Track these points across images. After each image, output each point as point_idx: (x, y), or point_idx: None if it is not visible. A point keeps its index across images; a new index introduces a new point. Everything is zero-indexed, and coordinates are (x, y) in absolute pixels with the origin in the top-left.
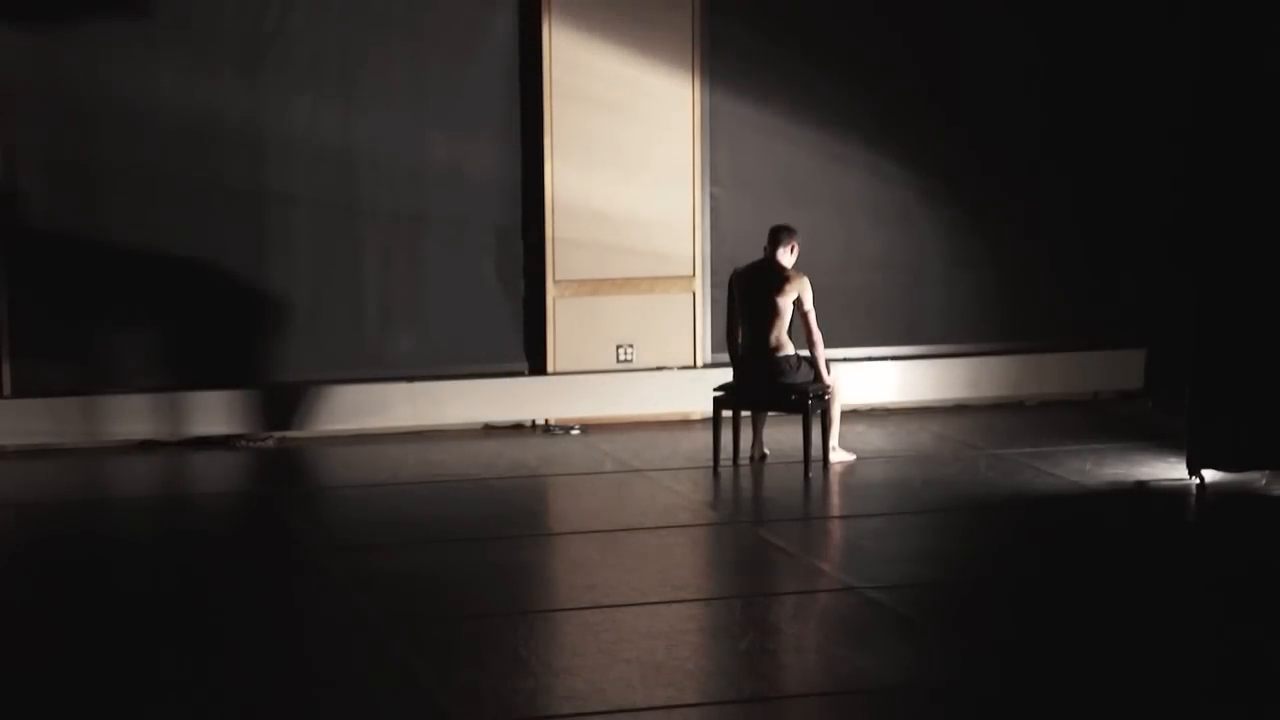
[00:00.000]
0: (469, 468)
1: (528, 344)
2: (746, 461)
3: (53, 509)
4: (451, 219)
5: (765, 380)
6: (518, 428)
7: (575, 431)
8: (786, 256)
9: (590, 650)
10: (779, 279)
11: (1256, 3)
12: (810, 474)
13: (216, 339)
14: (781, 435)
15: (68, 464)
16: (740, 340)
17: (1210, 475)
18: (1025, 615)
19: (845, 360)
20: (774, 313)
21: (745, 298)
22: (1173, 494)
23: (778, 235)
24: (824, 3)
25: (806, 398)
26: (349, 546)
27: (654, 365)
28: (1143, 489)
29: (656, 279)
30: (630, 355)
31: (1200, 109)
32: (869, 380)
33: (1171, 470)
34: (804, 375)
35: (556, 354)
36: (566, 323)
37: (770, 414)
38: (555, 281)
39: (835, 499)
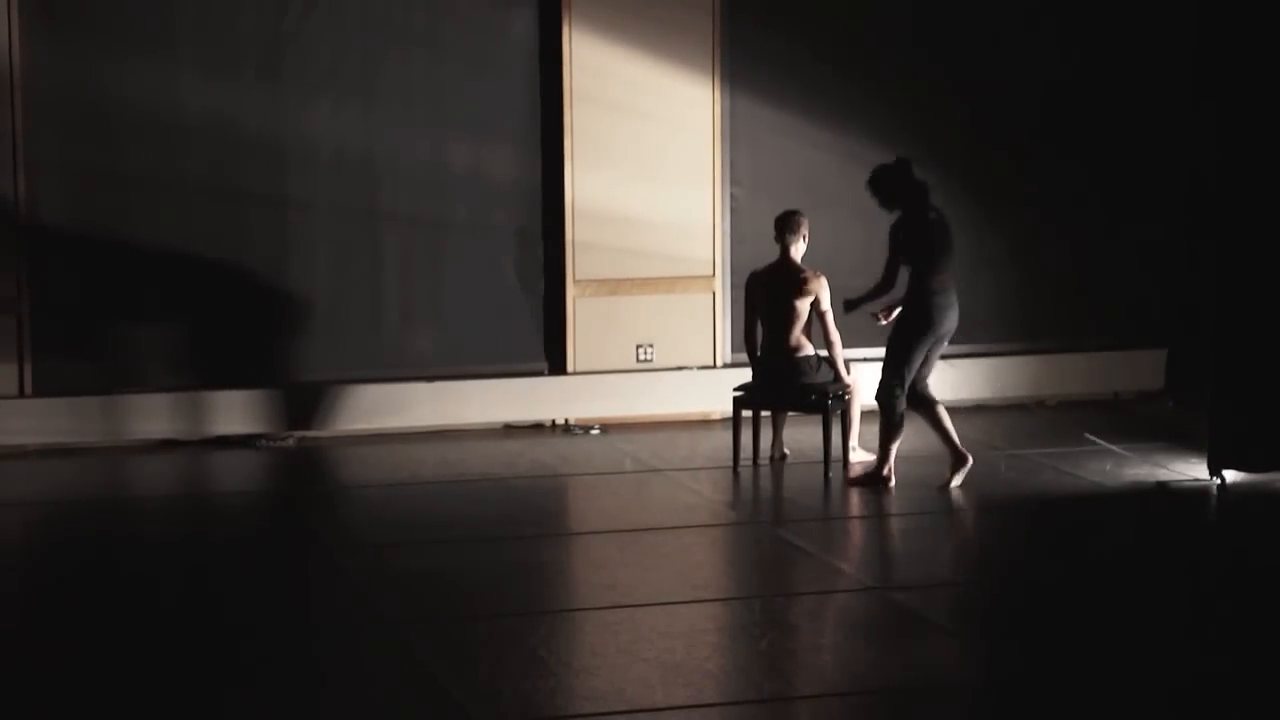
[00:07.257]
0: (489, 467)
1: (548, 344)
2: (766, 461)
3: (74, 508)
4: (471, 220)
5: (785, 380)
6: (538, 427)
7: (595, 431)
8: (799, 246)
9: (610, 650)
10: (797, 281)
11: None
12: (830, 474)
13: (237, 339)
14: (801, 435)
15: (89, 463)
16: (760, 341)
17: (1231, 475)
18: (1045, 615)
19: (865, 360)
20: (793, 315)
21: (765, 300)
22: (1194, 494)
23: (784, 228)
24: (843, 4)
25: (826, 398)
26: (369, 546)
27: (674, 365)
28: (1163, 489)
29: (676, 279)
30: (650, 355)
31: (1222, 111)
32: None
33: (1192, 470)
34: (824, 375)
35: (576, 354)
36: (586, 322)
37: (790, 414)
38: (575, 281)
39: (855, 499)
